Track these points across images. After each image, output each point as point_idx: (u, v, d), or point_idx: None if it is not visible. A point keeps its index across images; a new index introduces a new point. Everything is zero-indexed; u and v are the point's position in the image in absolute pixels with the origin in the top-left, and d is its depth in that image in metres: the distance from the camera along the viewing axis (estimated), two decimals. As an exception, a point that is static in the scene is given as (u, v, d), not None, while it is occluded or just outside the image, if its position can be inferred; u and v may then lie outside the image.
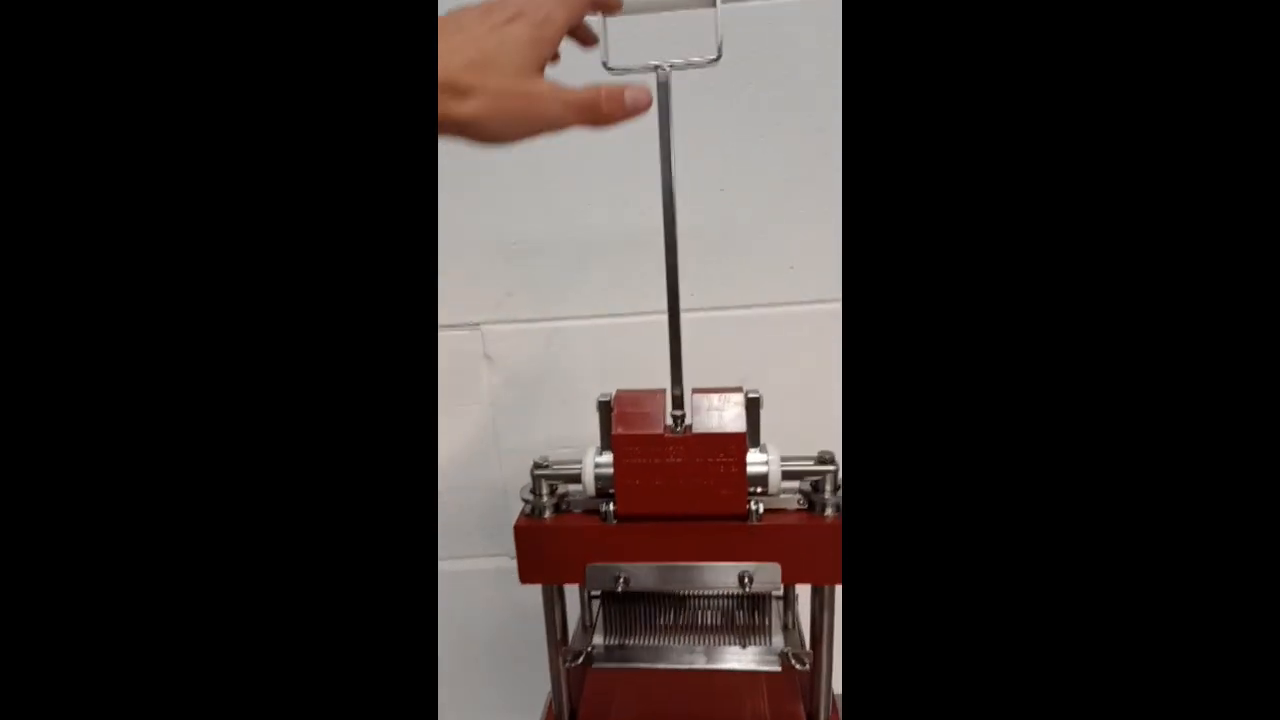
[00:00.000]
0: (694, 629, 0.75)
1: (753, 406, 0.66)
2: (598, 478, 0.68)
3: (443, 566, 1.27)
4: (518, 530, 0.71)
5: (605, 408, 0.66)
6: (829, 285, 1.02)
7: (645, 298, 1.00)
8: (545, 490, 0.72)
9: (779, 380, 1.07)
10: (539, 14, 0.42)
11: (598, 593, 0.76)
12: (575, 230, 1.02)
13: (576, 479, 0.70)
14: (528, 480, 0.73)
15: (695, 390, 0.67)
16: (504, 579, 1.27)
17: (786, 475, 0.69)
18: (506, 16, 0.41)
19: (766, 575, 0.69)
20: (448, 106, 0.38)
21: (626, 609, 0.75)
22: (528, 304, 1.08)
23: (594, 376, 1.09)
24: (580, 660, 0.73)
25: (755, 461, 0.68)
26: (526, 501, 0.73)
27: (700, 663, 0.73)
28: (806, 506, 0.70)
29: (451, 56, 0.38)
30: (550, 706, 0.80)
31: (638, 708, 0.78)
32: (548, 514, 0.72)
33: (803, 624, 0.78)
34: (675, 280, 0.63)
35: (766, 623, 0.74)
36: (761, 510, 0.68)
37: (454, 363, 1.14)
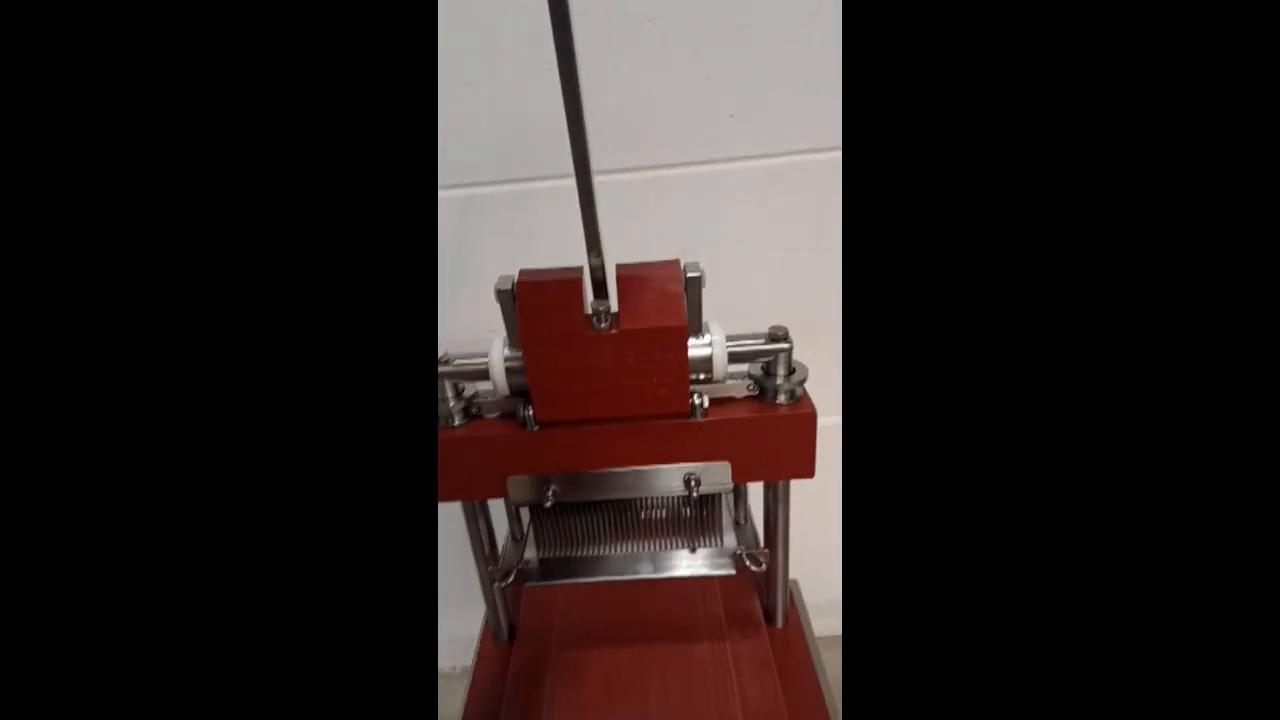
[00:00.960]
0: (637, 535, 0.66)
1: (693, 286, 0.54)
2: (509, 372, 0.56)
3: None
4: (424, 444, 0.60)
5: (507, 297, 0.53)
6: (774, 138, 0.87)
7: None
8: (451, 393, 0.60)
9: (719, 251, 0.94)
10: None
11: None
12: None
13: (485, 376, 0.58)
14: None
15: (621, 268, 0.54)
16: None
17: (734, 358, 0.58)
18: None
19: (715, 476, 0.60)
20: None
21: (559, 520, 0.65)
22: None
23: (510, 252, 0.94)
24: (511, 579, 0.64)
25: (697, 344, 0.56)
26: (431, 410, 0.61)
27: (647, 572, 0.64)
28: (756, 393, 0.60)
29: None
30: (487, 626, 0.72)
31: (581, 622, 0.71)
32: (457, 421, 0.60)
33: (755, 517, 0.70)
34: (579, 116, 0.46)
35: (716, 522, 0.66)
36: (706, 404, 0.58)
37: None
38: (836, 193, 0.89)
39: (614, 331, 0.52)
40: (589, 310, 0.53)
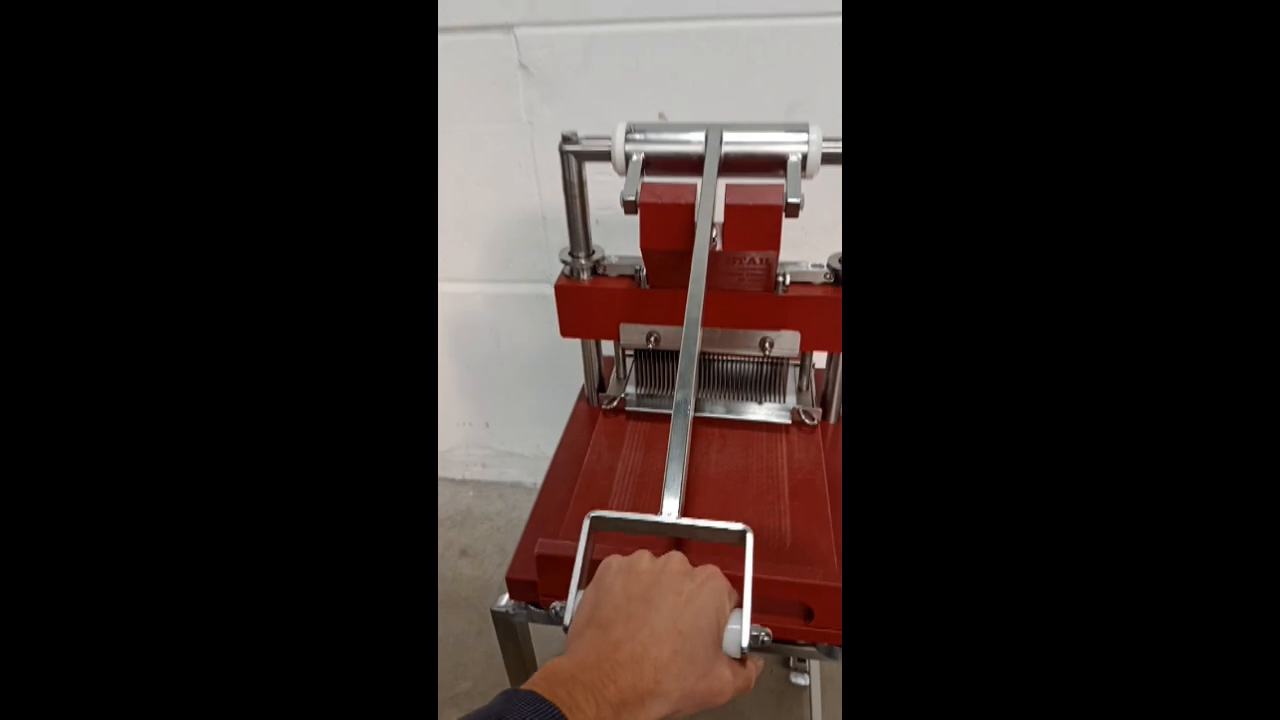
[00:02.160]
0: (717, 385, 0.80)
1: (792, 211, 0.61)
2: (629, 154, 0.65)
3: (484, 289, 1.33)
4: (558, 290, 0.74)
5: (631, 206, 0.63)
6: None
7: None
8: (583, 253, 0.73)
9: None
10: (715, 583, 0.42)
11: (631, 351, 0.81)
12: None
13: (606, 156, 0.66)
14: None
15: (730, 194, 0.63)
16: (541, 305, 1.32)
17: (828, 158, 0.63)
18: (696, 583, 0.41)
19: (786, 342, 0.72)
20: (651, 709, 0.36)
21: (656, 364, 0.79)
22: (561, 3, 0.98)
23: (640, 88, 1.02)
24: (614, 405, 0.80)
25: (794, 140, 0.63)
26: (565, 263, 0.74)
27: (720, 413, 0.79)
28: (832, 280, 0.71)
29: (660, 646, 0.37)
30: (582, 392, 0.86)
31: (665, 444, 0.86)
32: (585, 276, 0.74)
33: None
34: None
35: (782, 382, 0.79)
36: (789, 281, 0.69)
37: (487, 72, 1.06)
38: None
39: (717, 251, 0.64)
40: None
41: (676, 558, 0.44)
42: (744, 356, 0.78)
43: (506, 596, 0.65)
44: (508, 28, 1.02)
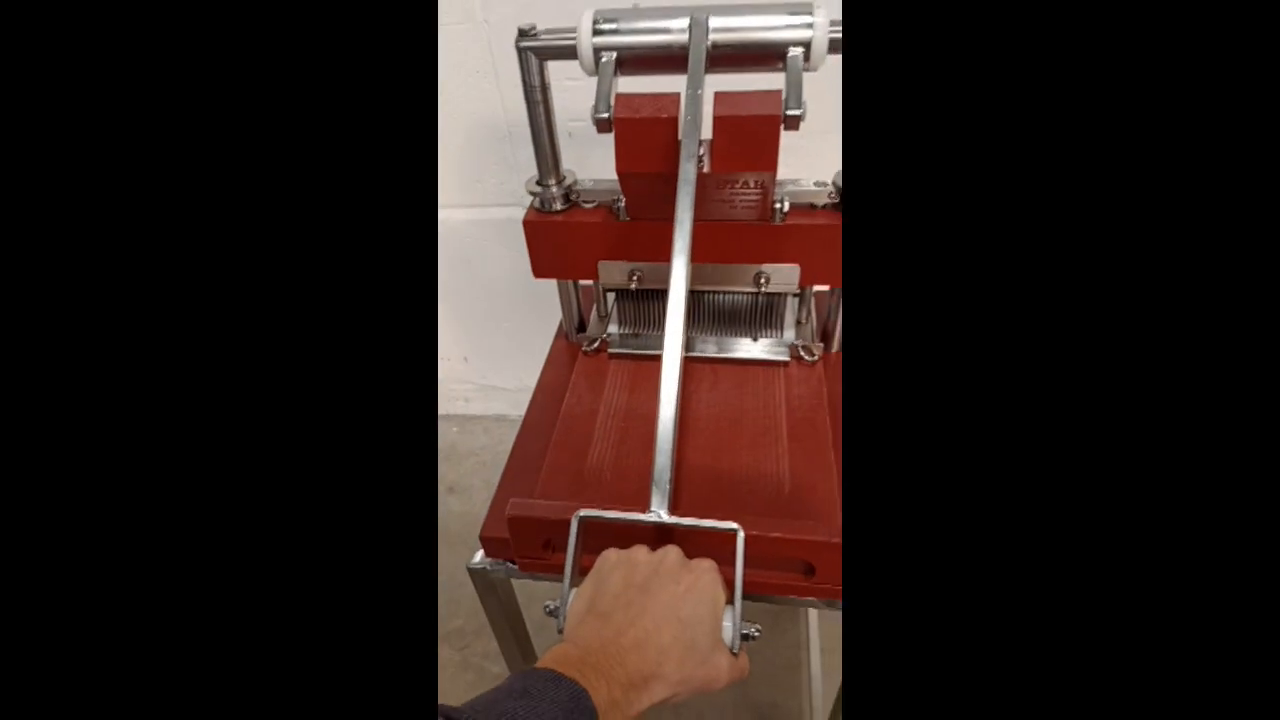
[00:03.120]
0: (707, 323, 0.72)
1: (792, 123, 0.51)
2: (598, 50, 0.55)
3: (453, 214, 1.23)
4: (527, 225, 0.64)
5: (605, 124, 0.53)
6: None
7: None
8: (553, 180, 0.63)
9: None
10: (717, 576, 0.43)
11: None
12: None
13: (572, 53, 0.56)
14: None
15: (719, 104, 0.52)
16: (514, 230, 1.22)
17: (835, 46, 0.53)
18: (692, 576, 0.41)
19: (784, 276, 0.64)
20: (653, 690, 0.37)
21: (639, 303, 0.71)
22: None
23: None
24: (595, 346, 0.72)
25: (797, 21, 0.53)
26: (533, 194, 0.64)
27: (711, 352, 0.71)
28: (837, 201, 0.62)
29: (660, 633, 0.38)
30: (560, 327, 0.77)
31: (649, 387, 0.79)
32: (558, 206, 0.64)
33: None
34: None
35: (779, 318, 0.71)
36: (787, 208, 0.60)
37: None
38: None
39: (706, 172, 0.54)
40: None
41: (674, 551, 0.44)
42: (737, 290, 0.69)
43: (481, 553, 0.59)
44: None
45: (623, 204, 0.61)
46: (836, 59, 0.52)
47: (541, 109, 0.60)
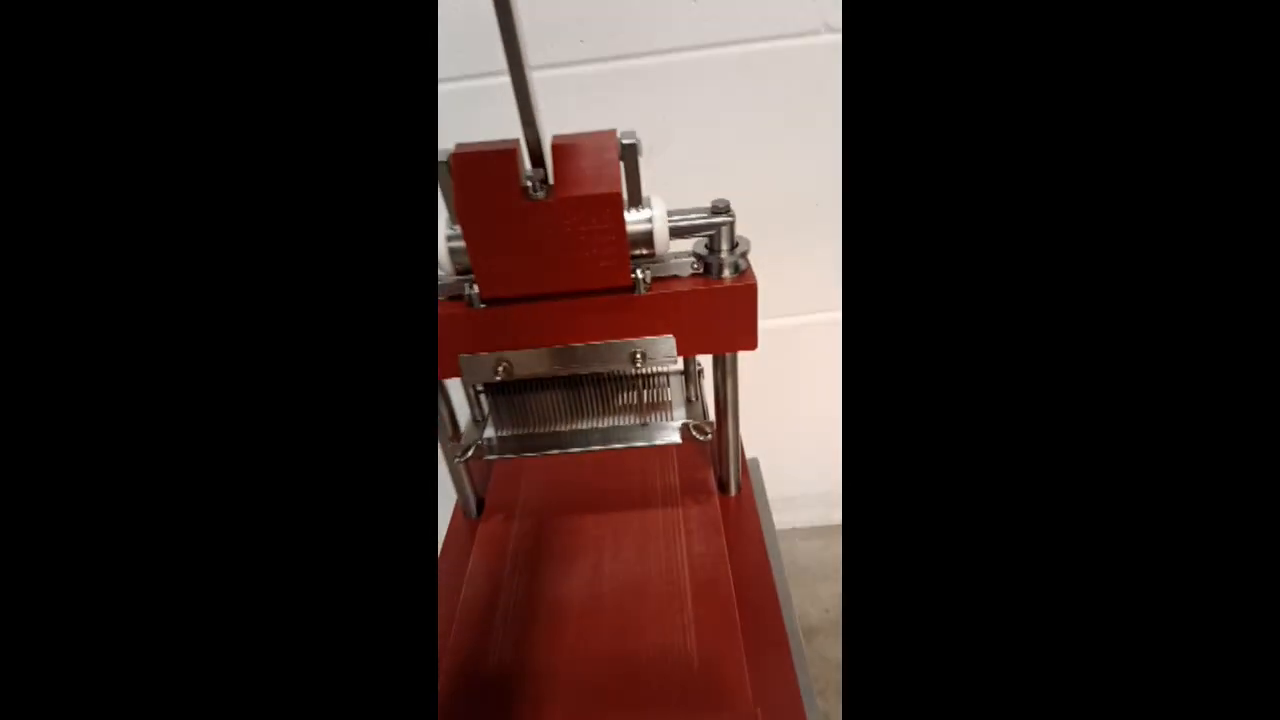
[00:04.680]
0: (591, 412, 0.65)
1: (630, 155, 0.51)
2: (453, 253, 0.54)
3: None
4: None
5: (444, 169, 0.51)
6: (743, 25, 0.82)
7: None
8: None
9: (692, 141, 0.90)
10: None
11: (482, 386, 0.65)
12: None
13: None
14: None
15: (557, 140, 0.51)
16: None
17: (676, 233, 0.56)
18: None
19: (660, 349, 0.59)
20: None
21: (514, 398, 0.64)
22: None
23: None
24: (471, 454, 0.64)
25: (636, 220, 0.54)
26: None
27: (599, 443, 0.64)
28: (701, 270, 0.58)
29: None
30: (457, 505, 0.72)
31: (543, 495, 0.71)
32: (411, 304, 0.58)
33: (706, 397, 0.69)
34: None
35: (666, 398, 0.65)
36: (649, 279, 0.56)
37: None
38: (817, 78, 0.86)
39: (550, 200, 0.50)
40: (525, 181, 0.50)
41: None
42: (616, 376, 0.64)
43: None
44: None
45: (475, 291, 0.56)
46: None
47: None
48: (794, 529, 1.44)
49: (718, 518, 0.66)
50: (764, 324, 0.58)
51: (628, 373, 0.63)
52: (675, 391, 0.66)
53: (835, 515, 1.43)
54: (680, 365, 0.67)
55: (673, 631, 0.56)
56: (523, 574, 0.62)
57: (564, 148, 0.50)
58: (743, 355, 0.62)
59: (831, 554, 1.39)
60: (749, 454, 0.78)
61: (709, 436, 0.64)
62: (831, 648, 1.22)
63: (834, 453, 1.36)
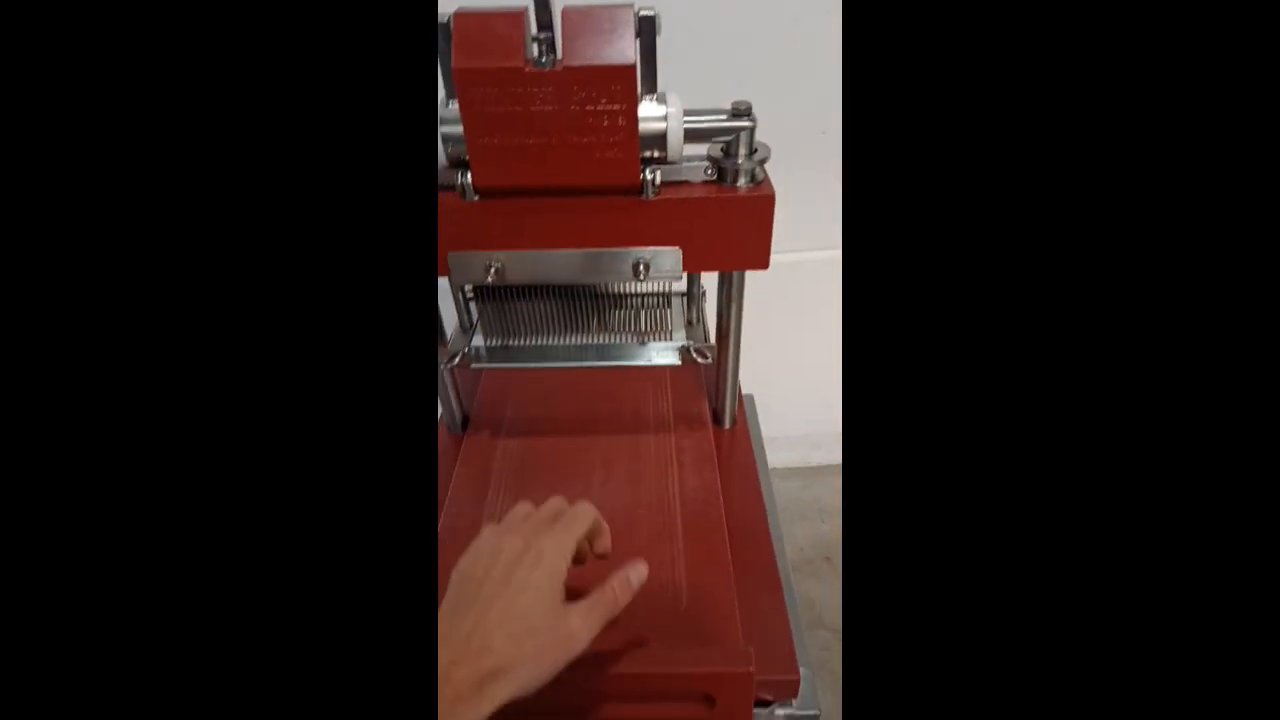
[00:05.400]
0: (586, 326, 0.60)
1: (648, 30, 0.45)
2: (446, 140, 0.48)
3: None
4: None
5: (444, 32, 0.44)
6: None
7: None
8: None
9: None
10: (554, 544, 0.41)
11: (471, 291, 0.60)
12: None
13: None
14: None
15: (568, 9, 0.45)
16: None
17: (691, 135, 0.50)
18: (528, 562, 0.39)
19: (665, 262, 0.53)
20: (491, 693, 0.35)
21: (505, 305, 0.59)
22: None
23: None
24: (457, 361, 0.59)
25: (650, 116, 0.48)
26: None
27: (593, 359, 0.59)
28: (715, 177, 0.52)
29: (491, 635, 0.36)
30: (442, 419, 0.67)
31: (531, 413, 0.67)
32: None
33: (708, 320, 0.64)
34: None
35: (667, 318, 0.60)
36: (659, 181, 0.50)
37: None
38: None
39: (556, 70, 0.44)
40: (531, 51, 0.44)
41: (528, 522, 0.43)
42: (616, 290, 0.59)
43: None
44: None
45: (469, 180, 0.50)
46: None
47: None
48: (773, 469, 1.42)
49: (711, 451, 0.62)
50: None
51: (627, 290, 0.58)
52: (676, 314, 0.62)
53: (816, 457, 1.41)
54: (683, 286, 0.62)
55: (663, 567, 0.52)
56: (508, 494, 0.59)
57: (575, 17, 0.44)
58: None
59: (811, 495, 1.38)
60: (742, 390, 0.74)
61: (709, 360, 0.59)
62: (808, 586, 1.21)
63: (820, 395, 1.33)
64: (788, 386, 1.25)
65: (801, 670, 0.49)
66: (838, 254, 1.10)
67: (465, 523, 0.56)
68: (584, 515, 0.43)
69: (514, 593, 0.38)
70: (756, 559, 0.56)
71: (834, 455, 1.42)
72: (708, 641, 0.47)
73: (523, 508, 0.45)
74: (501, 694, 0.35)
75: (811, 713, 0.51)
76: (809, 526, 1.33)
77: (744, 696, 0.45)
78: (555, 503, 0.45)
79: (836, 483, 1.40)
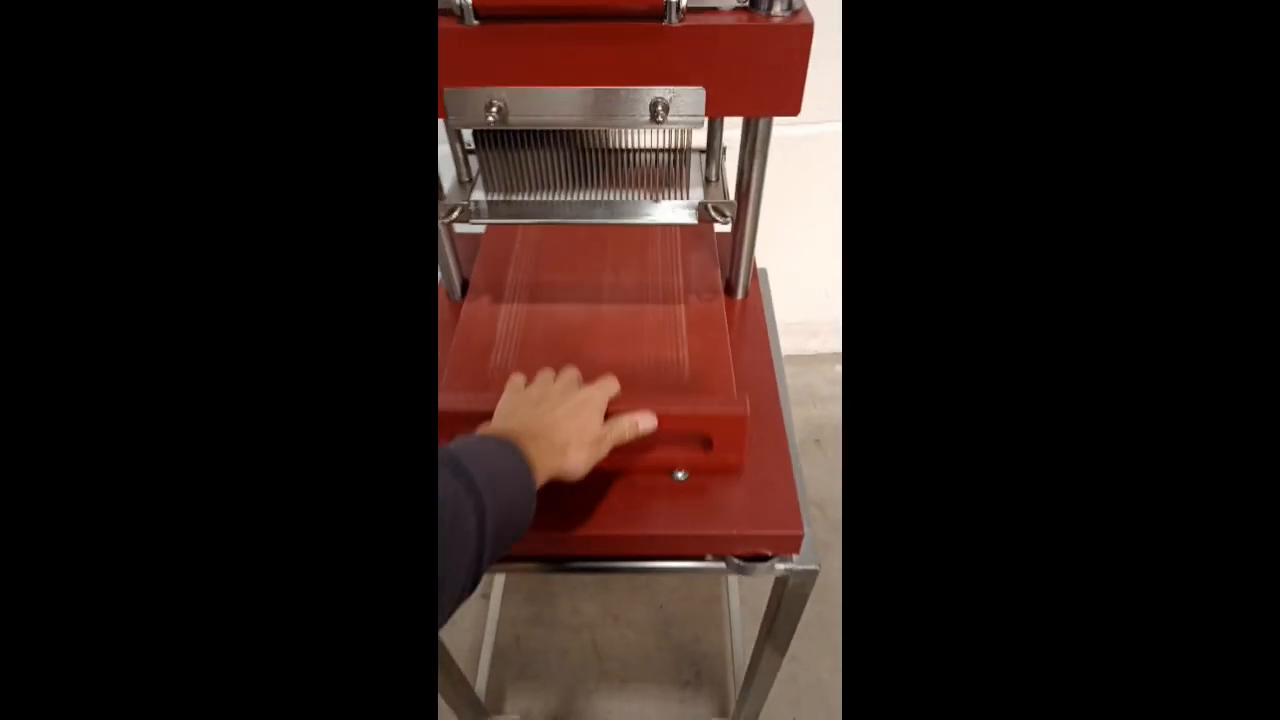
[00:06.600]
0: (596, 181, 0.55)
1: None
2: None
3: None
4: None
5: None
6: None
7: None
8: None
9: None
10: (598, 388, 0.47)
11: (471, 141, 0.53)
12: None
13: None
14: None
15: None
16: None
17: None
18: (582, 395, 0.46)
19: (686, 105, 0.47)
20: (557, 461, 0.42)
21: (508, 154, 0.53)
22: None
23: None
24: (456, 215, 0.53)
25: None
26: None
27: (603, 216, 0.54)
28: (747, 3, 0.45)
29: (555, 431, 0.43)
30: (441, 285, 0.62)
31: (534, 275, 0.62)
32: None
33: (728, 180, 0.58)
34: None
35: (684, 174, 0.54)
36: (684, 4, 0.43)
37: None
38: None
39: None
40: None
41: (572, 370, 0.48)
42: (629, 142, 0.53)
43: None
44: None
45: (469, 1, 0.42)
46: None
47: None
48: (770, 356, 1.40)
49: (722, 319, 0.58)
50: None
51: (641, 144, 0.52)
52: (694, 170, 0.56)
53: (811, 345, 1.39)
54: (703, 141, 0.56)
55: (668, 348, 0.55)
56: (511, 368, 0.54)
57: None
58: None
59: (804, 381, 1.36)
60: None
61: (727, 220, 0.54)
62: (798, 465, 1.21)
63: (817, 282, 1.28)
64: (784, 272, 1.21)
65: (805, 529, 0.48)
66: (838, 127, 1.02)
67: (464, 403, 0.52)
68: (613, 381, 0.48)
69: (581, 398, 0.45)
70: (767, 429, 0.53)
71: (829, 344, 1.40)
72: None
73: (546, 373, 0.48)
74: (570, 461, 0.43)
75: (811, 567, 0.50)
76: (801, 411, 1.32)
77: (737, 439, 0.48)
78: (574, 370, 0.48)
79: (830, 371, 1.39)
